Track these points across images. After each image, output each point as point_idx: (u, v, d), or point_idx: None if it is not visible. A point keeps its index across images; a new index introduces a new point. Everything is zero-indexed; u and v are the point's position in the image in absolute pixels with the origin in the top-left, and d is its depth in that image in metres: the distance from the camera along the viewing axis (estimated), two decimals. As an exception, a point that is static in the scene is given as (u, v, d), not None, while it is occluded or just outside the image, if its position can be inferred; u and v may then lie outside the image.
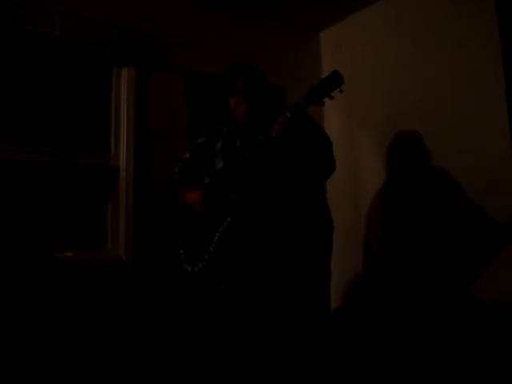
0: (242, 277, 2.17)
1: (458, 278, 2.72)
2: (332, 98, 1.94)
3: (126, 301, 2.84)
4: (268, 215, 2.16)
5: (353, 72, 3.42)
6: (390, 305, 3.02)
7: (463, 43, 2.81)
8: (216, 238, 2.14)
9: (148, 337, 2.83)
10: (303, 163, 2.15)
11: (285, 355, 2.11)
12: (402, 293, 2.98)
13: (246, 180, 2.14)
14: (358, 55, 3.44)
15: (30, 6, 2.74)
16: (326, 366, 2.19)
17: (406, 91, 3.12)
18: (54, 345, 2.62)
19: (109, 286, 2.82)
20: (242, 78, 2.25)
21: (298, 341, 2.12)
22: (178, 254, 2.32)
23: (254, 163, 2.12)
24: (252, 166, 2.12)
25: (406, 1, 3.15)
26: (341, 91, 1.93)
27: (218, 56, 3.32)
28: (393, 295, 3.03)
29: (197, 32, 3.30)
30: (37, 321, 2.61)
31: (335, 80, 1.93)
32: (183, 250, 2.30)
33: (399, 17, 3.19)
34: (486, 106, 2.68)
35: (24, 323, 2.59)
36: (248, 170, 2.13)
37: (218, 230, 2.14)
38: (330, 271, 2.28)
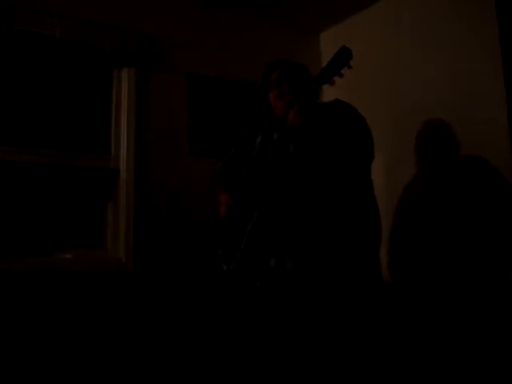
0: (276, 273, 2.07)
1: (468, 277, 2.71)
2: (341, 75, 1.91)
3: (125, 303, 2.83)
4: (298, 204, 2.06)
5: (353, 72, 3.41)
6: (399, 305, 3.01)
7: (463, 43, 2.81)
8: (245, 235, 2.09)
9: (147, 339, 2.83)
10: (330, 148, 2.03)
11: (319, 355, 2.00)
12: (408, 294, 2.98)
13: (275, 169, 2.09)
14: (358, 56, 3.39)
15: (31, 8, 2.75)
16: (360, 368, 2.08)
17: (406, 91, 3.11)
18: (52, 347, 2.62)
19: (108, 288, 2.82)
20: (277, 72, 2.24)
21: (335, 340, 2.00)
22: (217, 254, 2.28)
23: (272, 157, 2.09)
24: (277, 159, 2.09)
25: (406, 1, 3.15)
26: (350, 67, 1.90)
27: (218, 56, 3.33)
28: (402, 296, 3.02)
29: (197, 32, 3.30)
30: (35, 322, 2.61)
31: (344, 56, 1.90)
32: (221, 249, 2.26)
33: (399, 17, 3.19)
34: (486, 106, 2.67)
35: (23, 325, 2.59)
36: (278, 160, 2.09)
37: (247, 226, 2.09)
38: (379, 271, 2.15)
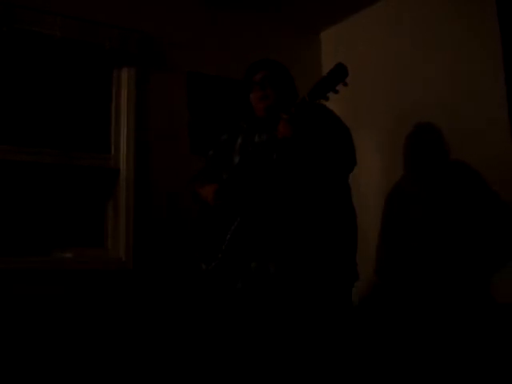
0: (258, 275, 2.10)
1: (466, 278, 2.71)
2: (337, 92, 1.89)
3: (125, 302, 2.83)
4: (280, 209, 2.09)
5: (353, 72, 3.41)
6: (395, 305, 3.01)
7: (463, 43, 2.81)
8: (228, 236, 2.10)
9: (147, 339, 2.83)
10: (315, 159, 2.08)
11: (303, 355, 2.04)
12: (406, 294, 2.98)
13: (259, 175, 2.10)
14: (359, 55, 3.43)
15: (31, 7, 2.75)
16: (344, 366, 2.12)
17: (406, 91, 3.11)
18: (52, 347, 2.62)
19: (108, 288, 2.82)
20: (261, 73, 2.24)
21: (317, 340, 2.05)
22: (195, 252, 2.29)
23: (264, 160, 2.09)
24: (264, 164, 2.09)
25: (407, 1, 3.15)
26: (345, 84, 1.89)
27: (219, 56, 3.33)
28: (398, 296, 3.02)
29: (197, 32, 3.30)
30: (35, 322, 2.61)
31: (339, 73, 1.89)
32: (199, 247, 2.28)
33: (399, 17, 3.19)
34: (486, 106, 2.68)
35: (23, 325, 2.59)
36: (262, 166, 2.10)
37: (230, 228, 2.10)
38: (356, 271, 2.18)
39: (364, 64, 3.38)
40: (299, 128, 1.99)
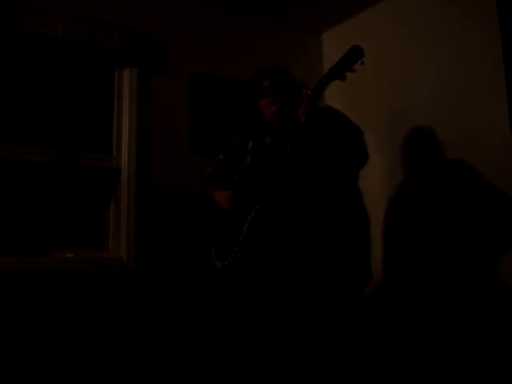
0: (273, 269, 2.10)
1: (467, 278, 2.71)
2: (353, 70, 1.93)
3: (127, 302, 2.83)
4: (297, 202, 2.10)
5: (354, 73, 3.41)
6: (398, 305, 3.01)
7: (464, 43, 2.81)
8: (245, 227, 2.11)
9: (149, 338, 2.83)
10: (331, 149, 2.10)
11: (314, 351, 2.05)
12: (407, 295, 2.98)
13: (273, 169, 2.11)
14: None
15: (33, 7, 2.75)
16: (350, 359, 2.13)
17: (406, 91, 3.12)
18: (53, 347, 2.62)
19: (110, 288, 2.82)
20: (269, 79, 2.27)
21: (330, 336, 2.06)
22: (209, 253, 2.29)
23: (280, 153, 2.10)
24: (279, 156, 2.10)
25: (407, 2, 3.15)
26: (362, 63, 1.92)
27: (220, 57, 3.33)
28: (401, 296, 3.02)
29: (199, 33, 3.31)
30: (36, 322, 2.62)
31: (355, 53, 1.93)
32: (213, 247, 2.28)
33: (400, 18, 3.19)
34: (487, 106, 2.68)
35: (24, 325, 2.59)
36: (275, 160, 2.11)
37: (247, 219, 2.11)
38: (370, 270, 2.20)
39: (365, 64, 3.38)
40: (316, 111, 2.01)
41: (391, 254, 3.14)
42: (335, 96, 2.89)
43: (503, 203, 2.59)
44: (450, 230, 2.79)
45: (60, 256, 2.81)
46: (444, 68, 2.90)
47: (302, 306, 2.07)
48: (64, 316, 2.68)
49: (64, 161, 2.86)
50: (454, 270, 2.75)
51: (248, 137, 2.40)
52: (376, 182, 3.23)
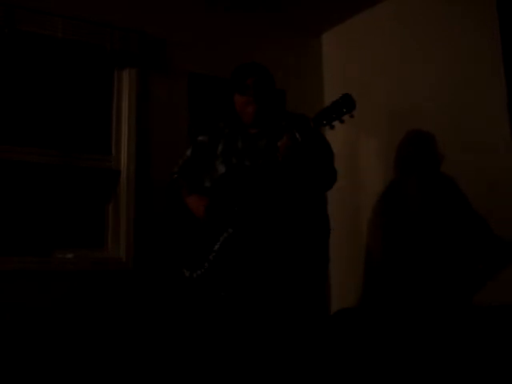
0: (241, 284, 2.13)
1: (460, 280, 2.71)
2: (342, 121, 1.88)
3: (126, 303, 2.84)
4: (270, 227, 2.11)
5: (354, 73, 3.42)
6: (391, 307, 3.01)
7: (464, 43, 2.81)
8: (217, 247, 2.11)
9: (147, 339, 2.83)
10: (307, 176, 2.13)
11: (284, 358, 2.10)
12: (403, 296, 2.97)
13: (247, 191, 2.10)
14: (360, 57, 3.44)
15: (33, 8, 2.75)
16: (324, 368, 2.19)
17: (406, 92, 3.11)
18: (53, 347, 2.62)
19: (109, 288, 2.83)
20: (254, 78, 2.21)
21: (298, 344, 2.12)
22: (178, 257, 2.30)
23: (255, 173, 2.09)
24: (253, 176, 2.10)
25: (407, 2, 3.15)
26: (352, 116, 1.87)
27: (219, 57, 3.33)
28: (394, 298, 3.02)
29: (198, 33, 3.30)
30: (36, 322, 2.62)
31: (347, 104, 1.87)
32: (182, 253, 2.28)
33: (400, 18, 3.19)
34: (487, 106, 2.67)
35: (24, 325, 2.59)
36: (249, 180, 2.10)
37: (219, 238, 2.11)
38: (327, 277, 2.30)
39: (365, 65, 3.38)
40: (302, 152, 1.99)
41: (388, 254, 3.14)
42: (335, 96, 2.88)
43: (501, 205, 2.58)
44: (447, 231, 2.79)
45: (60, 256, 2.82)
46: (444, 68, 2.90)
47: (269, 313, 2.13)
48: (64, 316, 2.68)
49: (64, 161, 2.86)
50: (450, 271, 2.75)
51: (218, 136, 2.34)
52: (375, 181, 3.23)
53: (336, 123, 1.89)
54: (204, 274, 2.14)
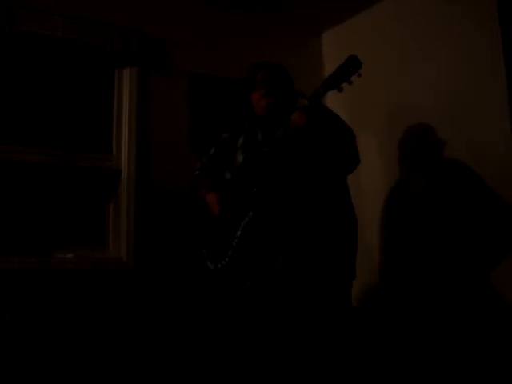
0: (267, 271, 2.14)
1: (465, 279, 2.71)
2: (350, 82, 1.91)
3: (126, 303, 2.84)
4: (290, 208, 2.13)
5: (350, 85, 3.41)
6: (392, 307, 3.01)
7: (464, 43, 2.81)
8: (239, 233, 2.12)
9: (149, 339, 2.83)
10: (325, 154, 2.13)
11: (308, 350, 2.08)
12: (405, 295, 2.98)
13: (266, 173, 2.12)
14: (360, 56, 3.43)
15: (33, 8, 2.75)
16: (344, 361, 2.16)
17: (407, 91, 3.12)
18: (53, 347, 2.62)
19: (109, 288, 2.83)
20: (263, 72, 2.29)
21: (321, 336, 2.10)
22: (200, 252, 2.31)
23: (274, 156, 2.11)
24: (272, 160, 2.11)
25: (407, 2, 3.15)
26: (359, 75, 1.91)
27: (220, 57, 3.33)
28: (396, 298, 3.03)
29: (198, 33, 3.31)
30: (37, 322, 2.62)
31: (353, 64, 1.91)
32: (205, 247, 2.30)
33: (400, 18, 3.19)
34: (487, 106, 2.68)
35: (24, 325, 2.59)
36: (268, 164, 2.12)
37: (240, 224, 2.12)
38: (355, 265, 2.24)
39: (366, 65, 3.38)
40: (314, 119, 2.02)
41: (389, 253, 3.14)
42: (335, 96, 2.88)
43: (503, 204, 2.58)
44: (449, 230, 2.79)
45: (60, 256, 2.82)
46: (444, 68, 2.90)
47: (294, 306, 2.12)
48: (64, 316, 2.68)
49: (64, 161, 2.86)
50: (452, 270, 2.75)
51: (239, 131, 2.41)
52: (375, 181, 3.23)
53: (344, 85, 1.92)
54: (229, 262, 2.14)
